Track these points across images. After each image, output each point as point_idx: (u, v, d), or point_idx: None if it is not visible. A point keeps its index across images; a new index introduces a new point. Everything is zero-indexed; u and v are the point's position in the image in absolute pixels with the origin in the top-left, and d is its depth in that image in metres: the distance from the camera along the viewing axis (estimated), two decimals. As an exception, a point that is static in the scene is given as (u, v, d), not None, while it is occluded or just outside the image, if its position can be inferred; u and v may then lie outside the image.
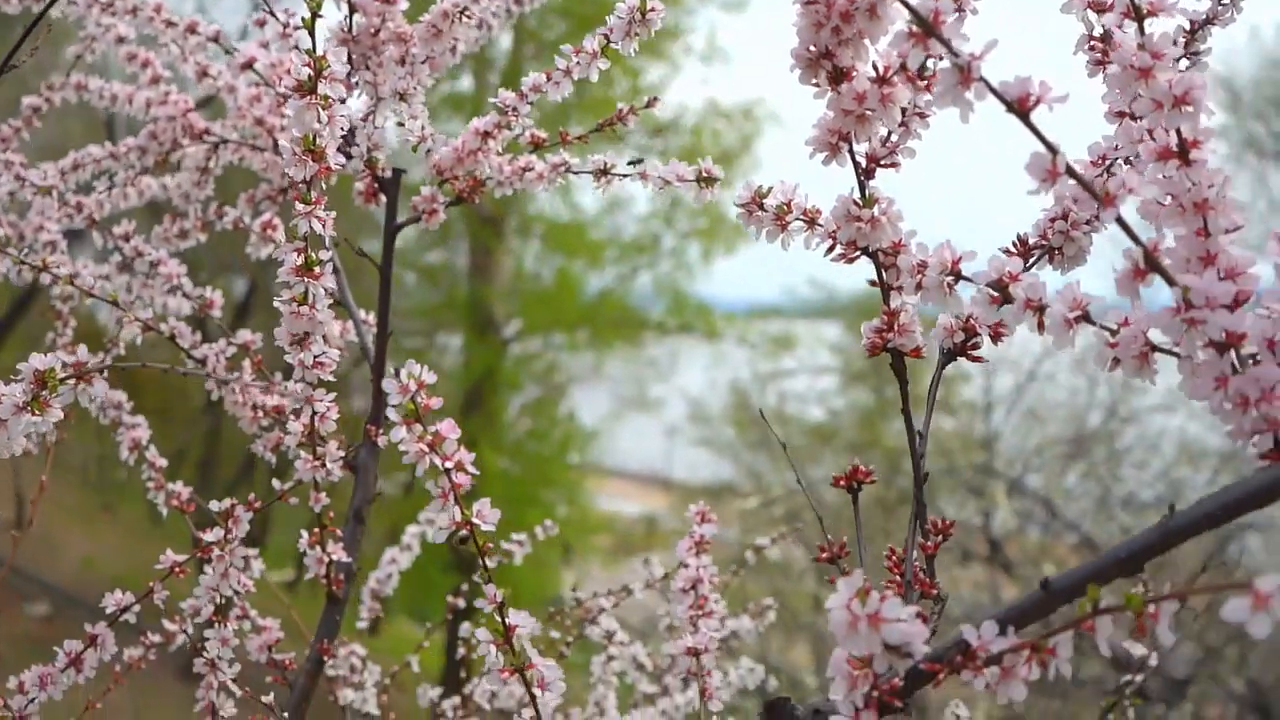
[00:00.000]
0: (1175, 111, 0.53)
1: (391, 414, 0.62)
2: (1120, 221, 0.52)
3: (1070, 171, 0.51)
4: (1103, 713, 1.07)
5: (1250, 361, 0.53)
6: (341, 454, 0.92)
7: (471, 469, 0.64)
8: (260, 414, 1.04)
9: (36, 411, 0.68)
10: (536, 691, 0.65)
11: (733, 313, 12.38)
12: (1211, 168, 0.54)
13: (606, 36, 0.89)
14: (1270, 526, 6.21)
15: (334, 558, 0.97)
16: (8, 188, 1.15)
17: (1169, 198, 0.55)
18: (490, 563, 1.22)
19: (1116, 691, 1.08)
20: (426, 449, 0.62)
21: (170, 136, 1.20)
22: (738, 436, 10.00)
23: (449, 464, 0.63)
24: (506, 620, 0.66)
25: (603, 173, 0.97)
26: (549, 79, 0.93)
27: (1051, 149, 0.51)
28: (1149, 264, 0.52)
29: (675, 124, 11.19)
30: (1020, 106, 0.51)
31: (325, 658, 0.99)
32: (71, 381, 0.68)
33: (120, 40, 1.20)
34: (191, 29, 1.11)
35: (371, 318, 1.12)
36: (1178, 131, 0.54)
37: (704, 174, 0.87)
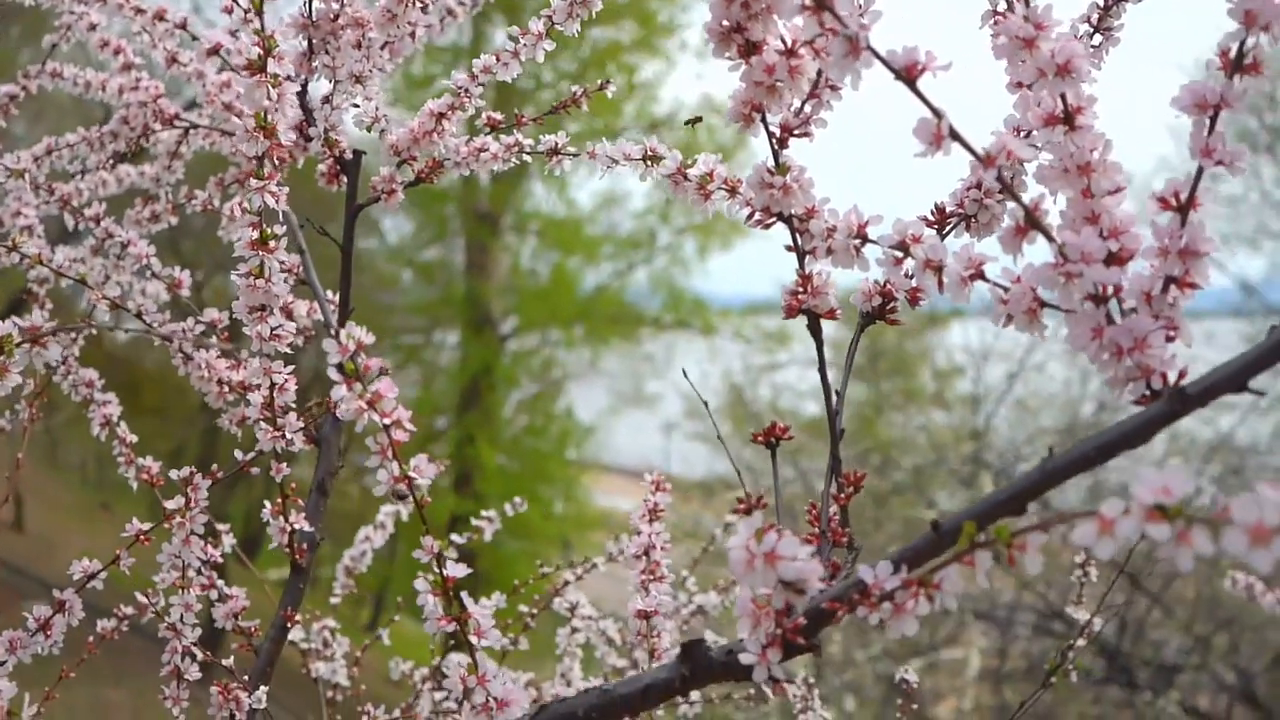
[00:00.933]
0: (1059, 79, 0.56)
1: (332, 373, 0.65)
2: (1001, 181, 0.55)
3: (954, 135, 0.54)
4: (1046, 676, 1.11)
5: (1132, 314, 0.56)
6: (301, 425, 0.95)
7: (409, 426, 0.67)
8: (225, 389, 1.07)
9: (-4, 376, 0.71)
10: (473, 639, 0.69)
11: (729, 308, 12.44)
12: (1095, 132, 0.58)
13: (550, 18, 0.93)
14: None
15: (296, 527, 1.01)
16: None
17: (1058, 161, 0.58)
18: (467, 538, 1.24)
19: (1060, 655, 1.11)
20: (365, 406, 0.66)
21: (141, 121, 1.23)
22: (734, 431, 10.04)
23: (387, 421, 0.66)
24: (445, 571, 0.69)
25: (554, 152, 1.01)
26: (498, 60, 0.96)
27: (937, 114, 0.54)
28: (1030, 222, 0.55)
29: (671, 120, 11.23)
30: (908, 75, 0.54)
31: (289, 624, 1.03)
32: (26, 345, 0.71)
33: (92, 27, 1.23)
34: (159, 16, 1.14)
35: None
36: (1062, 98, 0.57)
37: (649, 153, 0.90)
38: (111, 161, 1.25)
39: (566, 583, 1.41)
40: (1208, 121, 0.55)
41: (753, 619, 0.57)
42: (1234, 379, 0.50)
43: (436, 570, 0.68)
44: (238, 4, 1.03)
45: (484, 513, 1.43)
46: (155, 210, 1.26)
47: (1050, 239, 0.55)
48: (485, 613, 0.69)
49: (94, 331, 1.18)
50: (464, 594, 0.69)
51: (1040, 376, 8.07)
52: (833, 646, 5.77)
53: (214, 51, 1.07)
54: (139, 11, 1.15)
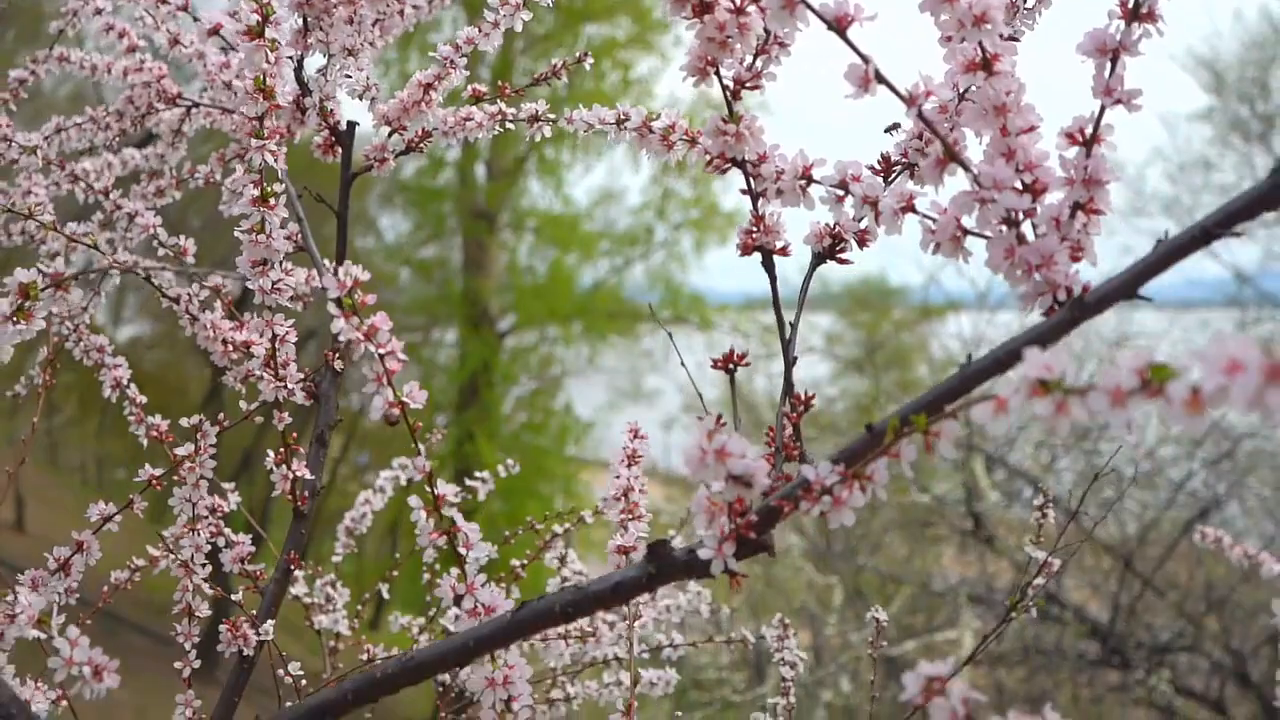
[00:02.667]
0: (975, 29, 0.63)
1: (331, 308, 0.72)
2: (922, 118, 0.62)
3: (880, 78, 0.61)
4: (1006, 611, 1.17)
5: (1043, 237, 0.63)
6: (301, 375, 1.01)
7: (402, 356, 0.73)
8: (230, 348, 1.13)
9: (21, 319, 0.78)
10: (462, 550, 0.75)
11: (726, 303, 12.51)
12: (1011, 78, 0.64)
13: (527, -8, 1.00)
14: (1245, 491, 6.32)
15: (298, 475, 1.07)
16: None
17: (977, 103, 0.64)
18: (461, 497, 1.31)
19: (1020, 592, 1.17)
20: (363, 337, 0.72)
21: (145, 101, 1.29)
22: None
23: (382, 351, 0.73)
24: (435, 490, 0.75)
25: (534, 119, 1.07)
26: (480, 31, 1.03)
27: (865, 59, 0.61)
28: (948, 154, 0.62)
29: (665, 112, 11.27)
30: (839, 25, 0.61)
31: (293, 566, 1.09)
32: (50, 290, 0.78)
33: (98, 12, 1.30)
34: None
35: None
36: (980, 46, 0.64)
37: (621, 116, 0.96)
38: (117, 142, 1.32)
39: (555, 535, 1.48)
40: (1109, 64, 0.62)
41: (708, 514, 0.63)
42: (1125, 288, 0.57)
43: (429, 489, 0.75)
44: (237, -15, 1.09)
45: (478, 474, 1.50)
46: (160, 185, 1.33)
47: (967, 169, 0.62)
48: (473, 528, 0.76)
49: (102, 295, 1.24)
50: (455, 512, 0.76)
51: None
52: (829, 629, 5.84)
53: (214, 31, 1.14)
54: (143, -6, 1.21)
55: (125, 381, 1.22)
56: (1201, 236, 0.56)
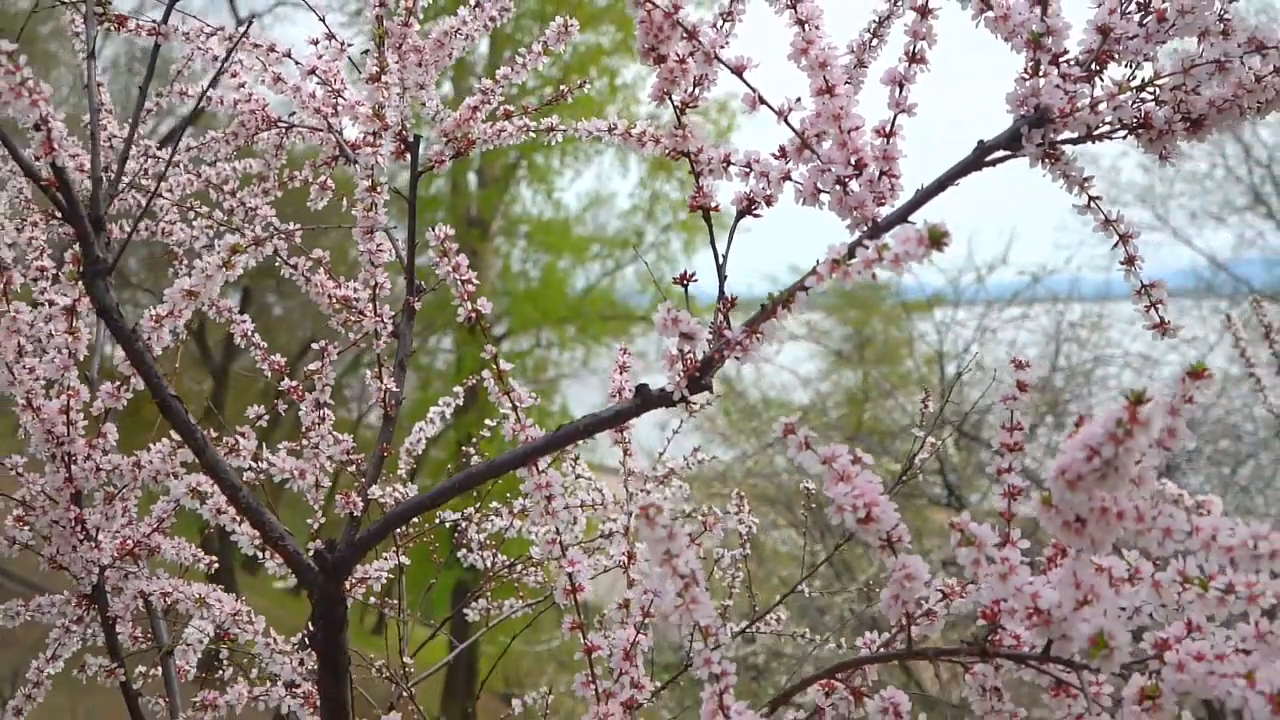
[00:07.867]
0: (821, 70, 1.06)
1: (431, 252, 1.15)
2: (787, 124, 1.05)
3: (762, 100, 1.04)
4: (897, 479, 1.60)
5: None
6: (393, 313, 1.45)
7: (475, 281, 1.17)
8: (332, 300, 1.57)
9: (228, 269, 1.21)
10: (518, 402, 1.19)
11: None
12: (846, 97, 1.08)
13: (545, 42, 1.44)
14: (1200, 459, 6.76)
15: (388, 388, 1.50)
16: (141, 164, 1.68)
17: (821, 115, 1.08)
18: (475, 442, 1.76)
19: (908, 463, 1.60)
20: (452, 270, 1.16)
21: (254, 124, 1.73)
22: (730, 425, 10.57)
23: (463, 278, 1.16)
24: (500, 367, 1.19)
25: (551, 129, 1.51)
26: (513, 69, 1.47)
27: (753, 90, 1.04)
28: (803, 144, 1.05)
29: (653, 119, 11.73)
30: (738, 70, 1.04)
31: (385, 455, 1.52)
32: (253, 247, 1.21)
33: (215, 58, 1.73)
34: (271, 49, 1.63)
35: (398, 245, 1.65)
36: (824, 78, 1.07)
37: (612, 126, 1.40)
38: (235, 155, 1.75)
39: (576, 458, 1.91)
40: (898, 88, 1.06)
41: (670, 361, 1.06)
42: (898, 219, 1.00)
43: (495, 366, 1.19)
44: (333, 39, 1.53)
45: (488, 422, 1.93)
46: (266, 187, 1.76)
47: (815, 153, 1.05)
48: (525, 390, 1.19)
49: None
50: (512, 381, 1.19)
51: (1014, 349, 8.68)
52: (813, 592, 6.28)
53: (312, 71, 1.57)
54: (255, 45, 1.65)
55: (250, 332, 1.65)
56: (939, 186, 0.99)
